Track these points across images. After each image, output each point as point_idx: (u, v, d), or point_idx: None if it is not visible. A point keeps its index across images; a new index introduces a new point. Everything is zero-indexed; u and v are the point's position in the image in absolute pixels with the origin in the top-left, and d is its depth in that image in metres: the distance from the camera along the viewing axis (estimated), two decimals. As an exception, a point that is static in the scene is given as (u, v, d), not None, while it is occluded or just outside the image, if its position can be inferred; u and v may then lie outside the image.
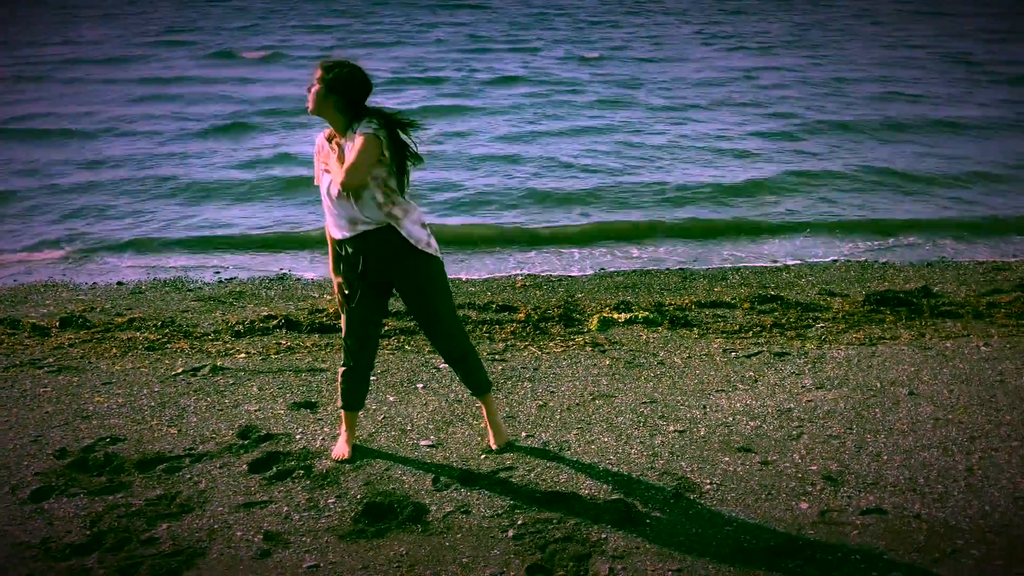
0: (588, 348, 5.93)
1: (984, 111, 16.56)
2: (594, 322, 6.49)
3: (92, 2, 42.50)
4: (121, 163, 12.73)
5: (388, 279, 4.02)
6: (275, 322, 6.48)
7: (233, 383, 5.25)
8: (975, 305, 6.84)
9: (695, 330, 6.33)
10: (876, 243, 9.45)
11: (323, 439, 4.45)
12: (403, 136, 3.84)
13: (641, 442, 4.40)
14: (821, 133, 14.80)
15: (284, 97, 17.61)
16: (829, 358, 5.68)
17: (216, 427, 4.60)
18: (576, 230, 9.90)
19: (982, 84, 19.94)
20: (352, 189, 3.71)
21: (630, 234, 9.83)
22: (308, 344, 6.07)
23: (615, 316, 6.60)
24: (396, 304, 6.99)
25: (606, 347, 5.95)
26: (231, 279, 8.20)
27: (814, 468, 4.11)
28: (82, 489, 3.92)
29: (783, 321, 6.52)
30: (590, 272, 8.46)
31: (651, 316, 6.56)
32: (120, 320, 6.61)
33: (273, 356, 5.80)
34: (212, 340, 6.16)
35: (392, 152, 3.77)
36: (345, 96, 3.79)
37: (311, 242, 9.30)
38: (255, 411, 4.82)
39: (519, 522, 3.67)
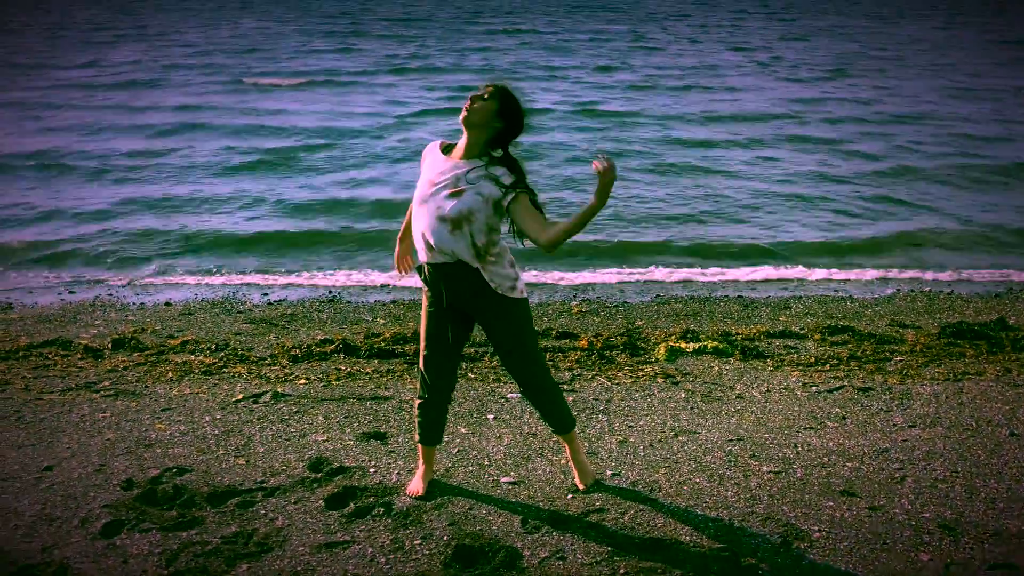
0: (660, 379, 5.70)
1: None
2: (661, 351, 6.25)
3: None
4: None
5: (469, 312, 3.81)
6: (332, 347, 6.29)
7: (297, 411, 5.05)
8: (1058, 339, 6.55)
9: (769, 362, 6.08)
10: (945, 275, 9.21)
11: (398, 473, 4.24)
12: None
13: (736, 484, 4.15)
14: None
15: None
16: (915, 394, 5.41)
17: (285, 458, 4.40)
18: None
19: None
20: (552, 249, 3.53)
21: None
22: (368, 370, 5.87)
23: (682, 345, 6.36)
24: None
25: (678, 379, 5.72)
26: (281, 301, 8.04)
27: (927, 515, 3.85)
28: (154, 524, 3.72)
29: (859, 354, 6.26)
30: (647, 299, 8.23)
31: (721, 346, 6.32)
32: (173, 342, 6.45)
33: (334, 382, 5.61)
34: (269, 365, 5.98)
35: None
36: (505, 129, 3.62)
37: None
38: (323, 441, 4.61)
39: (621, 571, 3.43)
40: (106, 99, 20.39)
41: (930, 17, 53.04)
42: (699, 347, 6.33)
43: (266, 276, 9.00)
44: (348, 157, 14.90)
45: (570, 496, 4.02)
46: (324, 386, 5.53)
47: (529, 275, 8.96)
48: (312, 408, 5.10)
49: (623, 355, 6.23)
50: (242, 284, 8.71)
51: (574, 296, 8.33)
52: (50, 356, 6.10)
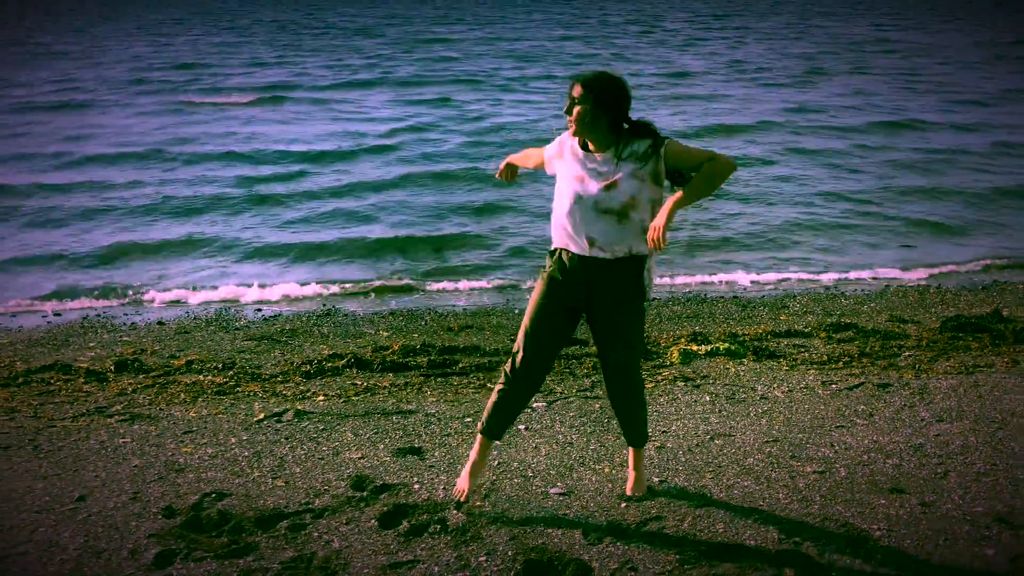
0: (680, 383, 5.70)
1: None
2: (675, 354, 6.26)
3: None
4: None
5: (605, 307, 3.64)
6: (343, 361, 6.18)
7: (324, 429, 4.94)
8: (1055, 329, 6.71)
9: (783, 361, 6.13)
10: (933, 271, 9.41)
11: (444, 487, 4.16)
12: None
13: (784, 485, 4.16)
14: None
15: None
16: (933, 388, 5.49)
17: (324, 478, 4.30)
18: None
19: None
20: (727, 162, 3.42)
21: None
22: (385, 384, 5.78)
23: (694, 348, 6.38)
24: (460, 340, 6.75)
25: (698, 381, 5.72)
26: (276, 316, 7.89)
27: (979, 510, 3.89)
28: (207, 552, 3.60)
29: (868, 350, 6.33)
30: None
31: (732, 348, 6.35)
32: (177, 363, 6.28)
33: (353, 398, 5.51)
34: (283, 382, 5.85)
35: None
36: (612, 114, 3.48)
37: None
38: (359, 459, 4.52)
39: (695, 578, 3.41)
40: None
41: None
42: (711, 349, 6.35)
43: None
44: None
45: (624, 505, 3.99)
46: (344, 402, 5.43)
47: (530, 282, 8.91)
48: (338, 425, 5.00)
49: (637, 360, 6.22)
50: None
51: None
52: (52, 381, 5.89)
